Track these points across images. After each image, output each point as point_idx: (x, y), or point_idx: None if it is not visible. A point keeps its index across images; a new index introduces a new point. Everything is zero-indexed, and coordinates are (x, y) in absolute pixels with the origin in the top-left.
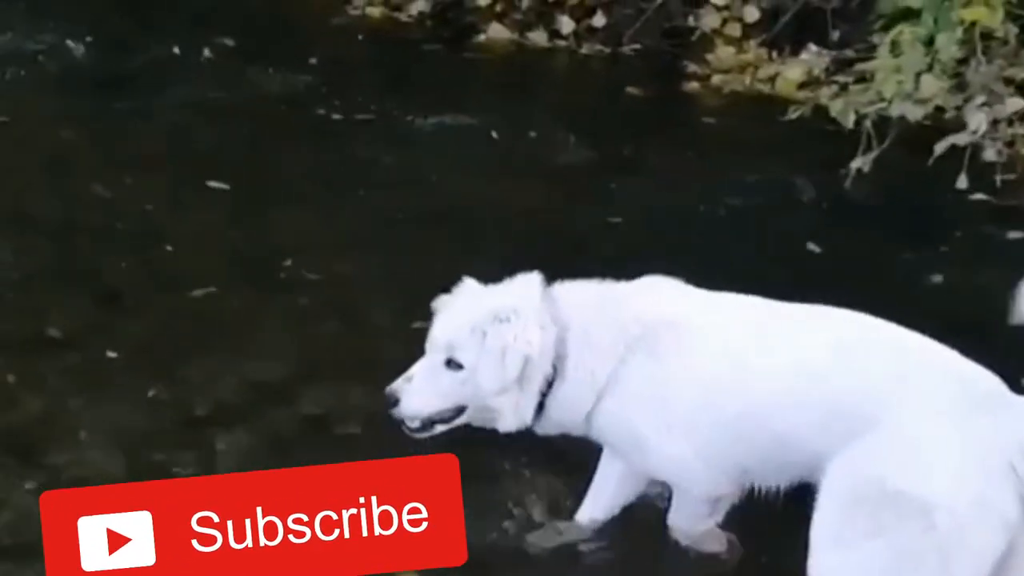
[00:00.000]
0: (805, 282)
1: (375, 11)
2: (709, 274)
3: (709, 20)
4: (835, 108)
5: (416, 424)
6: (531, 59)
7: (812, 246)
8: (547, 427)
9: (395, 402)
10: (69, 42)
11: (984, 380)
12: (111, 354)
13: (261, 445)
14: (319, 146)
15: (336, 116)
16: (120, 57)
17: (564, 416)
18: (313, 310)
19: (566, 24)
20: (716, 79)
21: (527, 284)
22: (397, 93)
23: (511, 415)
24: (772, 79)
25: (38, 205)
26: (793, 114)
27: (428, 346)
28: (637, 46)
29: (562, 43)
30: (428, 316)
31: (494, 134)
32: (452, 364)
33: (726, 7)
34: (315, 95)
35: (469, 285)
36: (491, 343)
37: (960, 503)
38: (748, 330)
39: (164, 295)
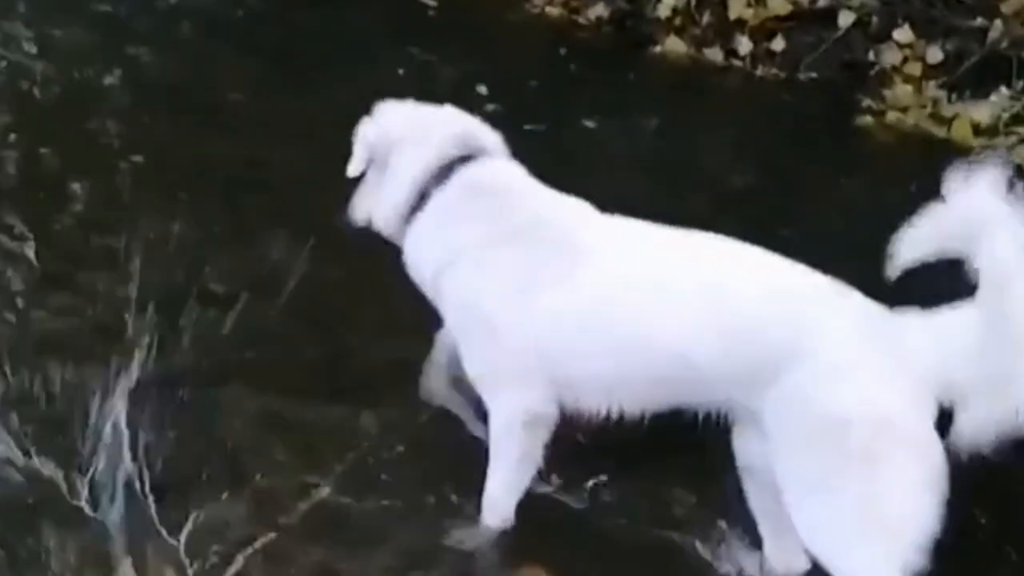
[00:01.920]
0: None
1: (554, 11)
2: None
3: (890, 56)
4: (1020, 156)
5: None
6: (704, 76)
7: None
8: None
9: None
10: None
11: (878, 308)
12: None
13: None
14: None
15: (493, 107)
16: None
17: (419, 254)
18: None
19: (744, 44)
20: (891, 116)
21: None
22: (564, 96)
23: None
24: (949, 121)
25: None
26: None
27: None
28: (813, 74)
29: (738, 63)
30: None
31: (660, 147)
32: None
33: (908, 45)
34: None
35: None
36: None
37: (911, 415)
38: (657, 252)
39: None
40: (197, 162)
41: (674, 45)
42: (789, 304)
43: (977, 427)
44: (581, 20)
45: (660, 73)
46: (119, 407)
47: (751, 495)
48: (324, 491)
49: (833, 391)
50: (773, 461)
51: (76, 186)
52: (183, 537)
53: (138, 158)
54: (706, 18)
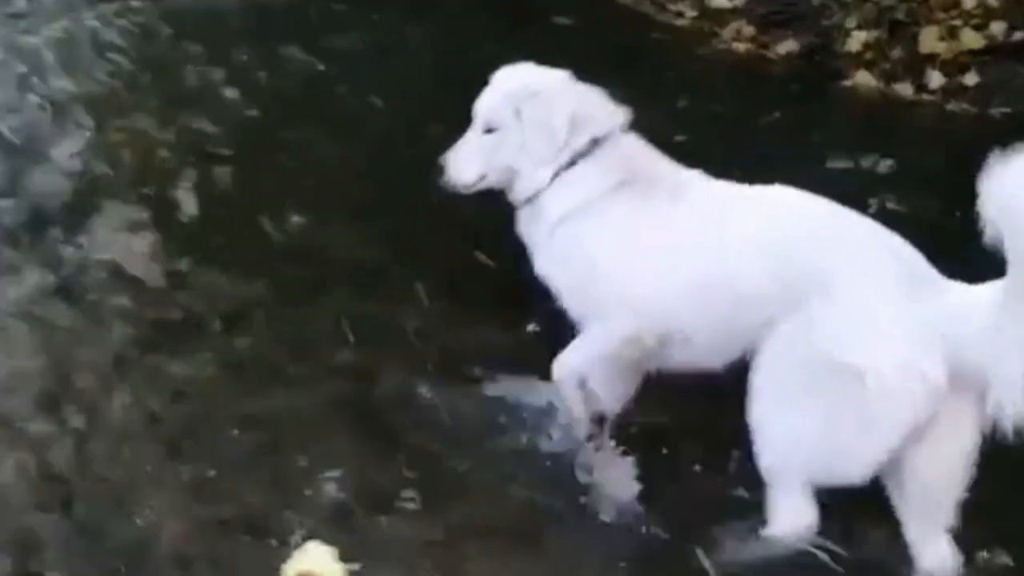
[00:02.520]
0: None
1: (741, 46)
2: None
3: None
4: None
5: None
6: (894, 110)
7: None
8: (527, 220)
9: (442, 171)
10: None
11: (919, 261)
12: None
13: None
14: None
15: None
16: None
17: (545, 210)
18: None
19: (935, 79)
20: None
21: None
22: (753, 130)
23: (529, 180)
24: None
25: None
26: None
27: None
28: (1007, 109)
29: (928, 97)
30: None
31: (846, 181)
32: (490, 131)
33: None
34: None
35: (506, 69)
36: (529, 114)
37: (888, 367)
38: (727, 199)
39: None
40: None
41: (864, 79)
42: (831, 245)
43: (1010, 400)
44: (770, 55)
45: (849, 107)
46: None
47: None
48: None
49: (846, 327)
50: (758, 373)
51: None
52: None
53: None
54: (897, 52)
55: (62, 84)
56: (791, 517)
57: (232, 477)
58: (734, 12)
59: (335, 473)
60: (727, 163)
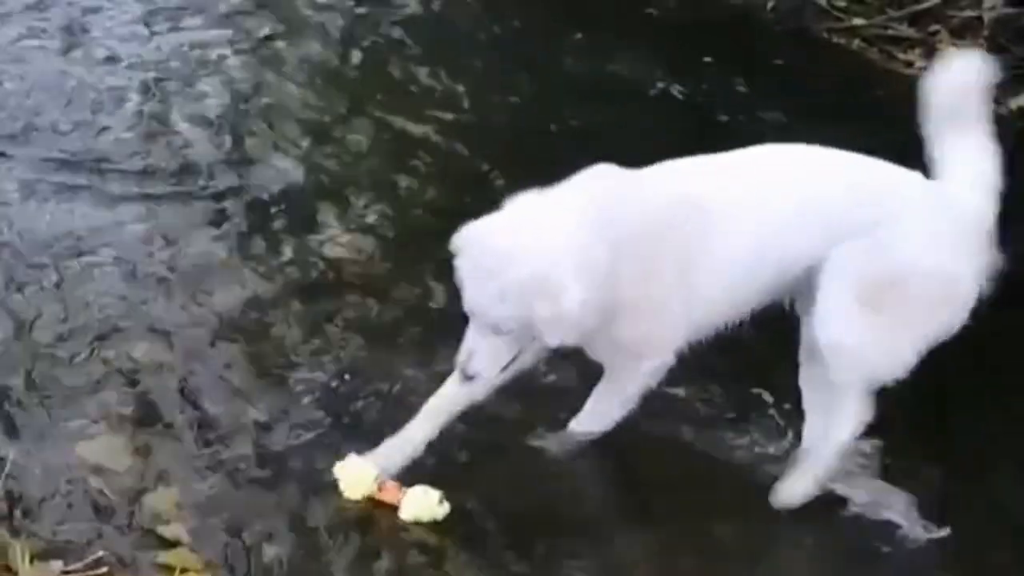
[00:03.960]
0: None
1: None
2: None
3: None
4: None
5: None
6: None
7: None
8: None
9: (471, 378)
10: None
11: (942, 185)
12: None
13: None
14: None
15: None
16: None
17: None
18: None
19: None
20: None
21: (551, 231)
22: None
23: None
24: None
25: None
26: None
27: (469, 315)
28: None
29: None
30: None
31: None
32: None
33: None
34: None
35: (478, 233)
36: (540, 313)
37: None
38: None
39: None
40: None
41: None
42: (871, 191)
43: None
44: (1001, 110)
45: None
46: None
47: (807, 375)
48: None
49: (910, 248)
50: (825, 280)
51: None
52: None
53: None
54: None
55: (289, 89)
56: (861, 417)
57: None
58: None
59: None
60: None
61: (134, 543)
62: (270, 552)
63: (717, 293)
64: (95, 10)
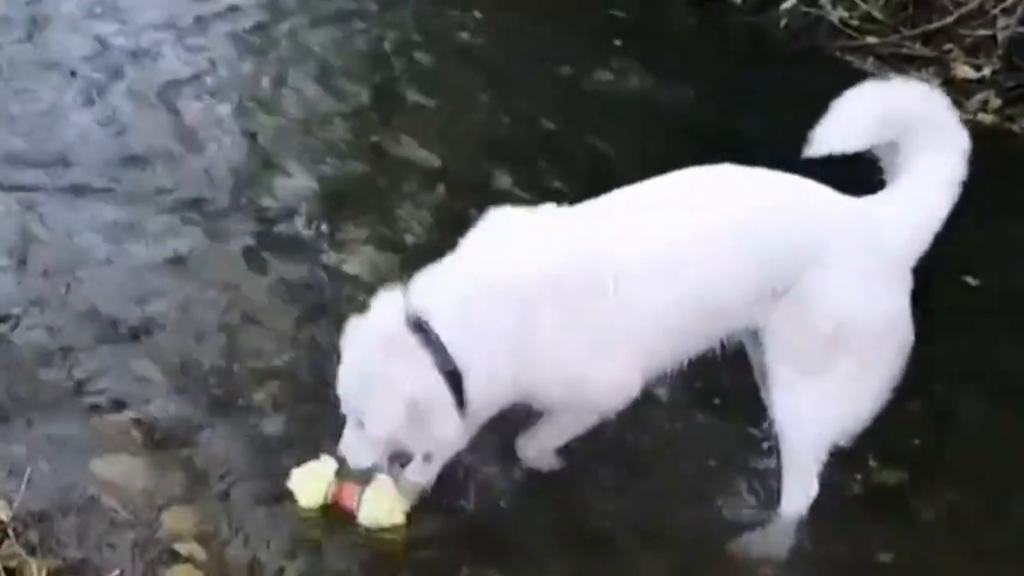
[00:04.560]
0: None
1: (987, 118)
2: None
3: None
4: None
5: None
6: None
7: None
8: (480, 417)
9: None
10: None
11: (866, 212)
12: None
13: None
14: None
15: None
16: None
17: (491, 402)
18: None
19: None
20: None
21: (393, 338)
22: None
23: (441, 435)
24: None
25: None
26: None
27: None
28: None
29: None
30: None
31: None
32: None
33: None
34: None
35: (363, 338)
36: (369, 403)
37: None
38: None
39: None
40: None
41: None
42: (810, 225)
43: None
44: (1015, 128)
45: None
46: None
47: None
48: None
49: (842, 295)
50: (769, 355)
51: None
52: None
53: None
54: None
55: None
56: (810, 492)
57: None
58: (981, 83)
59: None
60: (975, 240)
61: (150, 561)
62: (291, 571)
63: (650, 345)
64: None
